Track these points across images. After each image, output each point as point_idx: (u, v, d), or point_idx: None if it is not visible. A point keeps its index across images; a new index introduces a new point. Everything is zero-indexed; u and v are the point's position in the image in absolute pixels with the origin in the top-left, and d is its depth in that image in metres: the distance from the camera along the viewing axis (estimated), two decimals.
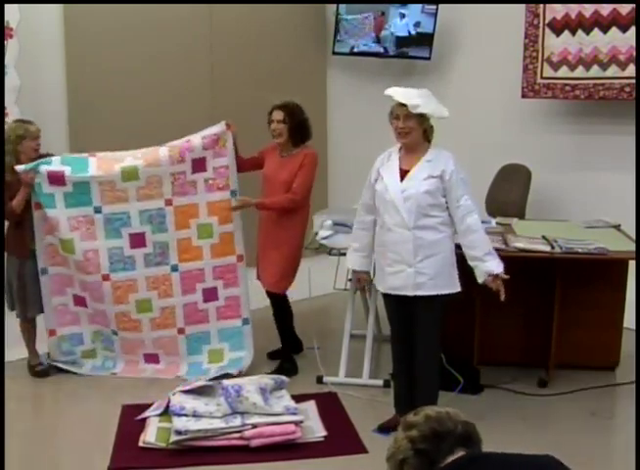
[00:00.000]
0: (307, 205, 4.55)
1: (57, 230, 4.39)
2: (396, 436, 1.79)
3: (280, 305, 4.61)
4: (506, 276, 3.57)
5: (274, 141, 4.45)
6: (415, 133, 3.57)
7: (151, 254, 4.48)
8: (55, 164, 4.37)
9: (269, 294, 4.61)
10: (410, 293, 3.60)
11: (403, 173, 3.61)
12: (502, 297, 3.55)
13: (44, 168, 4.32)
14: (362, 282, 4.00)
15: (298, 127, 4.42)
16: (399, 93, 3.53)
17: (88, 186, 4.37)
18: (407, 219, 3.55)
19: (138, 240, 4.45)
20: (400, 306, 3.70)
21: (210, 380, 4.15)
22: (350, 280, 4.63)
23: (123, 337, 4.56)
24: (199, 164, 4.48)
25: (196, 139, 4.49)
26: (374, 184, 3.71)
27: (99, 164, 4.40)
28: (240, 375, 4.41)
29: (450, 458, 1.70)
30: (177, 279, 4.52)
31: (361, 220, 3.84)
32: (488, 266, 3.53)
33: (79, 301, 4.55)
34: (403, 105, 3.51)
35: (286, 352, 4.66)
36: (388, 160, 3.69)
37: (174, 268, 4.52)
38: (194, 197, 4.50)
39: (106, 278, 4.43)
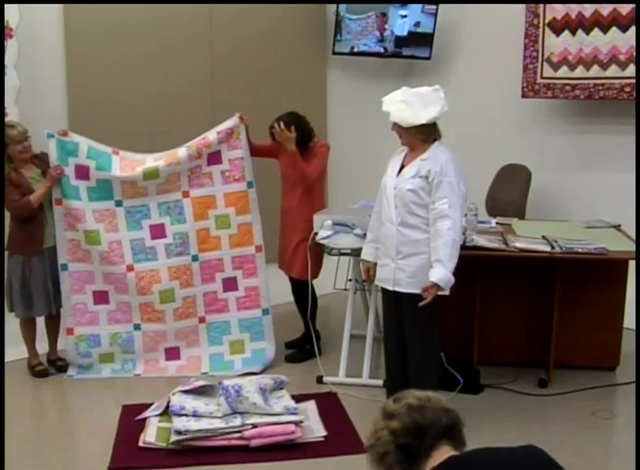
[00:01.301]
0: (322, 197, 4.73)
1: (82, 222, 4.47)
2: (375, 423, 1.69)
3: (304, 293, 4.64)
4: (443, 292, 3.48)
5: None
6: (405, 136, 3.61)
7: (172, 244, 4.58)
8: (81, 158, 4.46)
9: (297, 283, 4.72)
10: (390, 287, 3.67)
11: (402, 169, 3.66)
12: (419, 304, 3.47)
13: (72, 161, 4.43)
14: (370, 273, 3.91)
15: (302, 135, 4.52)
16: (385, 98, 3.60)
17: (111, 184, 4.50)
18: (394, 215, 3.60)
19: (158, 231, 4.57)
20: (391, 302, 3.73)
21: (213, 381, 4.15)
22: (350, 280, 4.65)
23: (146, 330, 4.58)
24: (214, 157, 4.60)
25: (211, 135, 4.60)
26: None
27: (122, 166, 4.51)
28: (265, 370, 4.54)
29: (434, 453, 1.62)
30: (197, 269, 4.62)
31: (378, 211, 3.86)
32: (431, 273, 3.47)
33: (100, 297, 4.55)
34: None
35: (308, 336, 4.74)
36: (398, 155, 3.74)
37: (195, 258, 4.61)
38: (211, 188, 4.62)
39: (130, 269, 4.52)
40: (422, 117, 3.51)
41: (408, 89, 3.60)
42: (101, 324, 4.57)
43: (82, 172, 4.46)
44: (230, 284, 4.67)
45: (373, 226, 3.88)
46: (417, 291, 3.57)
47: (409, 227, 3.58)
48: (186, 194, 4.58)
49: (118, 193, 4.52)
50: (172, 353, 4.65)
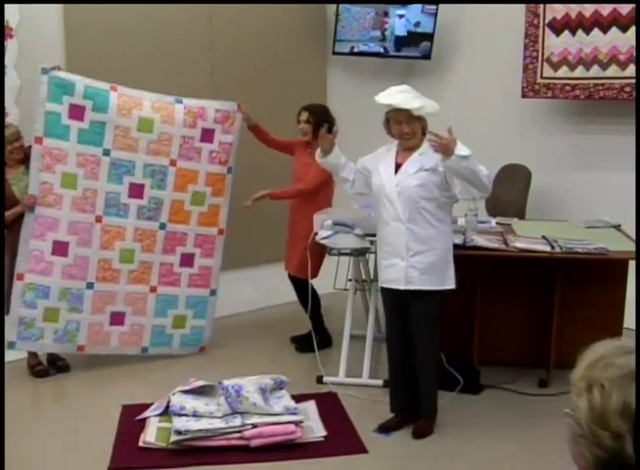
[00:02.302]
0: (326, 199, 4.78)
1: (63, 163, 4.46)
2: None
3: (304, 291, 4.68)
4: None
5: (303, 139, 4.76)
6: (418, 133, 3.59)
7: (145, 207, 4.66)
8: (77, 97, 4.45)
9: (294, 280, 4.83)
10: (402, 286, 3.64)
11: (398, 167, 3.64)
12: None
13: (67, 100, 4.43)
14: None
15: (318, 126, 4.58)
16: (397, 99, 3.53)
17: (104, 127, 4.52)
18: (401, 213, 3.57)
19: (137, 191, 4.62)
20: (397, 302, 3.71)
21: (208, 383, 4.15)
22: (350, 280, 4.65)
23: (98, 289, 4.59)
24: (207, 135, 4.73)
25: (210, 109, 4.73)
26: (368, 175, 3.76)
27: (120, 105, 4.54)
28: (202, 350, 4.91)
29: None
30: (162, 237, 4.72)
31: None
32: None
33: (60, 248, 4.48)
34: (403, 109, 3.51)
35: (316, 328, 4.76)
36: (387, 153, 3.72)
37: (162, 226, 4.71)
38: (197, 164, 4.73)
39: (99, 219, 4.56)
40: (433, 106, 3.54)
41: (398, 86, 3.61)
42: (54, 276, 4.49)
43: (76, 112, 4.45)
44: (187, 260, 4.79)
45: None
46: (430, 288, 3.59)
47: (419, 223, 3.57)
48: (173, 162, 4.67)
49: (109, 141, 4.52)
50: (117, 318, 4.68)
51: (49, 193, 4.45)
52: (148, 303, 4.73)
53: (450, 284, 3.67)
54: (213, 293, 4.89)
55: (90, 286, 4.58)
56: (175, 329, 4.83)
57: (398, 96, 3.54)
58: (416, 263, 3.59)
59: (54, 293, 4.51)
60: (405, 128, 3.56)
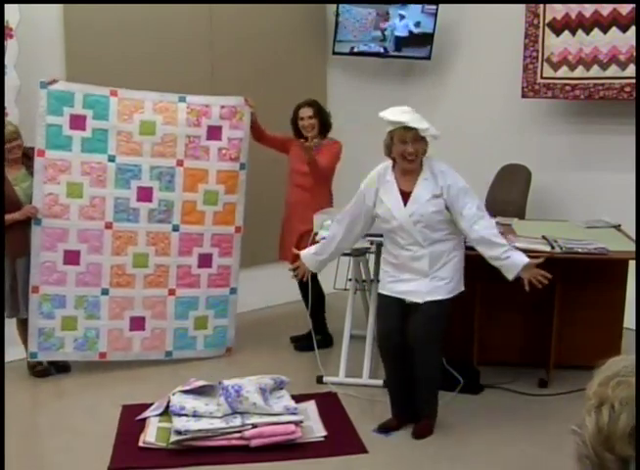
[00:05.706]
0: (329, 192, 4.82)
1: (67, 173, 4.45)
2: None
3: (307, 287, 4.61)
4: (538, 260, 3.58)
5: (307, 134, 4.70)
6: (420, 155, 3.57)
7: (155, 210, 4.62)
8: (77, 107, 4.46)
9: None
10: (421, 299, 3.61)
11: (404, 195, 3.61)
12: (547, 277, 3.54)
13: (67, 111, 4.43)
14: (301, 271, 3.93)
15: (326, 121, 4.76)
16: (406, 117, 3.48)
17: (106, 134, 4.51)
18: (421, 239, 3.58)
19: (145, 194, 4.59)
20: (402, 310, 3.68)
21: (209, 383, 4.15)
22: (350, 280, 4.65)
23: (114, 295, 4.57)
24: (214, 132, 4.67)
25: (215, 107, 4.67)
26: (372, 207, 3.68)
27: (120, 110, 4.53)
28: (229, 351, 4.84)
29: None
30: (176, 239, 4.66)
31: (336, 234, 3.79)
32: (513, 260, 3.54)
33: (71, 257, 4.48)
34: (410, 128, 3.48)
35: (317, 327, 4.77)
36: (385, 181, 3.65)
37: (175, 228, 4.66)
38: (206, 163, 4.67)
39: (109, 226, 4.54)
40: (435, 130, 3.54)
41: (400, 107, 3.58)
42: (68, 285, 4.50)
43: (78, 122, 4.46)
44: (205, 260, 4.73)
45: (325, 246, 3.83)
46: (451, 294, 3.65)
47: (438, 243, 3.61)
48: (180, 163, 4.63)
49: (113, 147, 4.51)
50: (137, 323, 4.65)
51: (55, 204, 4.45)
52: (167, 306, 4.68)
53: (462, 287, 3.74)
54: (234, 291, 4.84)
55: (105, 292, 4.57)
56: (198, 330, 4.77)
57: (406, 115, 3.50)
58: (441, 274, 3.63)
59: (70, 301, 4.51)
60: (410, 148, 3.51)
